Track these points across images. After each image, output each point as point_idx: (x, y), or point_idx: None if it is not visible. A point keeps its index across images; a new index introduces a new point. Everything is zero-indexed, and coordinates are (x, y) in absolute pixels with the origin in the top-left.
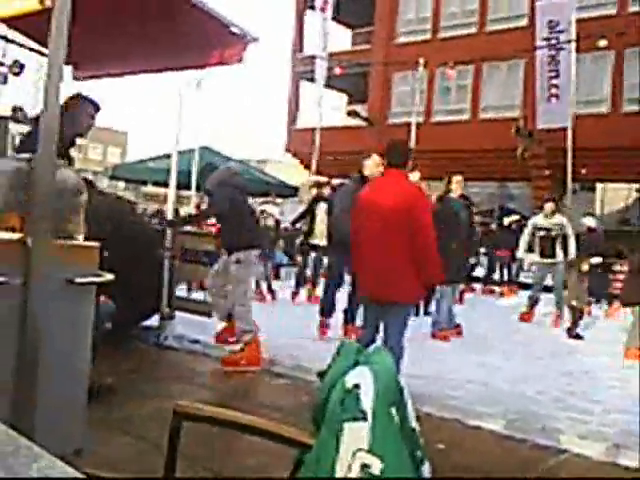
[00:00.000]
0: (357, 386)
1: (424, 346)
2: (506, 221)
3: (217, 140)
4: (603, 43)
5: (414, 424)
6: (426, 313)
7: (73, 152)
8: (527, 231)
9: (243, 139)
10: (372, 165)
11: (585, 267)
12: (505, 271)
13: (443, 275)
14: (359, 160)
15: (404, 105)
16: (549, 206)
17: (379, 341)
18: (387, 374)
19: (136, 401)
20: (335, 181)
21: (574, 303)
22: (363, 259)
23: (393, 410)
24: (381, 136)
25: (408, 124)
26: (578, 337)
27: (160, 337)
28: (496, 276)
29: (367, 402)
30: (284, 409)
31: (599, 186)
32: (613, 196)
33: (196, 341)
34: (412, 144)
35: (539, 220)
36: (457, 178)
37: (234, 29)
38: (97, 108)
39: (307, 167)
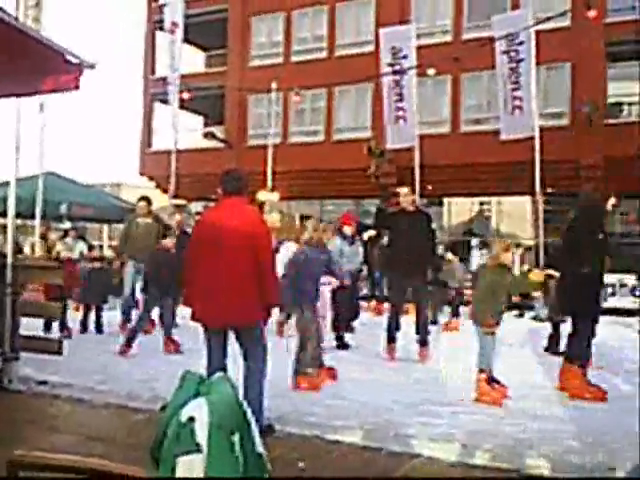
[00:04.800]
0: (192, 419)
1: (284, 366)
2: (365, 236)
3: (68, 165)
4: (431, 72)
5: (260, 449)
6: None
7: None
8: None
9: (96, 162)
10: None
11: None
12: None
13: (279, 298)
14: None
15: (261, 127)
16: None
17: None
18: (226, 403)
19: None
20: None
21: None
22: (205, 284)
23: (234, 438)
24: (240, 158)
25: (265, 146)
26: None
27: (3, 380)
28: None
29: (202, 434)
30: (141, 446)
31: (446, 200)
32: (459, 209)
33: (44, 382)
34: (270, 164)
35: None
36: None
37: (68, 56)
38: None
39: (164, 190)
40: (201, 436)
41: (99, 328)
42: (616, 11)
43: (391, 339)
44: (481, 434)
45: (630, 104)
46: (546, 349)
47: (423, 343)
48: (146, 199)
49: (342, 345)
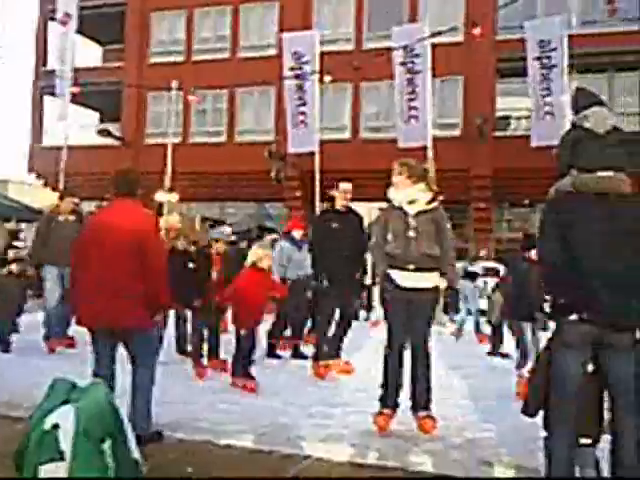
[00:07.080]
0: (56, 426)
1: (173, 372)
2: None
3: None
4: (327, 79)
5: (136, 455)
6: None
7: None
8: None
9: None
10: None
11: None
12: None
13: (170, 300)
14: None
15: (160, 126)
16: None
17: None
18: (96, 410)
19: None
20: None
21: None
22: (91, 286)
23: (105, 445)
24: (137, 157)
25: (164, 145)
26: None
27: None
28: None
29: (67, 441)
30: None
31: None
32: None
33: None
34: (169, 164)
35: None
36: None
37: None
38: None
39: (54, 189)
40: (65, 444)
41: (7, 347)
42: (505, 29)
43: (319, 356)
44: (367, 432)
45: (518, 118)
46: (489, 352)
47: (336, 355)
48: (72, 195)
49: (297, 355)
